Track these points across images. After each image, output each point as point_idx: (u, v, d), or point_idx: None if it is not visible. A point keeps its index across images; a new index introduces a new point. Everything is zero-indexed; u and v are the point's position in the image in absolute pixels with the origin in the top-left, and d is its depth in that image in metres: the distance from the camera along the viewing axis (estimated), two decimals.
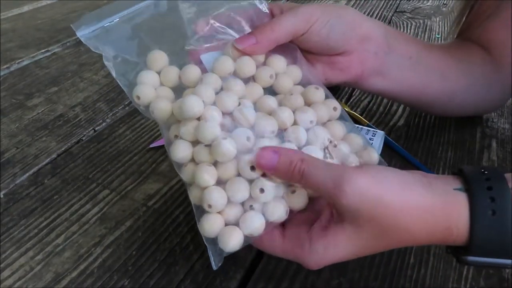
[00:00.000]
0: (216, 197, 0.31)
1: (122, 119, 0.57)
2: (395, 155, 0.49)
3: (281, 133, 0.34)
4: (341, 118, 0.37)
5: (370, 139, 0.46)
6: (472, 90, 0.48)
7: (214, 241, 0.31)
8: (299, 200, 0.32)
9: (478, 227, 0.27)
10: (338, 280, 0.35)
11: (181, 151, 0.33)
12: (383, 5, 0.95)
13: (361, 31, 0.42)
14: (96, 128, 0.55)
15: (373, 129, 0.47)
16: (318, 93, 0.37)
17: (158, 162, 0.49)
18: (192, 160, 0.33)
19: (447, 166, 0.48)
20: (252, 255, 0.38)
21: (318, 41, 0.40)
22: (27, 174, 0.47)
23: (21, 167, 0.48)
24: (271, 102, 0.35)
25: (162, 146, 0.51)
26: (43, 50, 0.76)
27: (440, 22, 0.86)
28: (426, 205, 0.28)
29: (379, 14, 0.90)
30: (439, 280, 0.35)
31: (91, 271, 0.36)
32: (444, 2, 0.96)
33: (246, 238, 0.31)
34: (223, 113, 0.33)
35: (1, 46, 0.77)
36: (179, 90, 0.36)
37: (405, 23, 0.86)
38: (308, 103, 0.36)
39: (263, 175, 0.31)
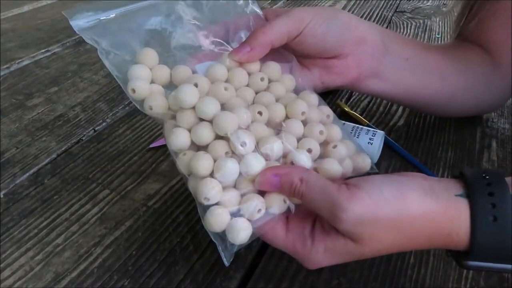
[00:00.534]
0: (209, 187, 0.30)
1: (122, 119, 0.57)
2: (395, 155, 0.49)
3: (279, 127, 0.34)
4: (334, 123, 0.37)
5: (370, 139, 0.46)
6: (471, 90, 0.48)
7: (221, 237, 0.30)
8: None
9: (479, 233, 0.27)
10: (338, 280, 0.35)
11: (179, 138, 0.33)
12: (383, 5, 0.95)
13: (357, 33, 0.42)
14: (96, 128, 0.55)
15: (373, 129, 0.47)
16: (312, 97, 0.37)
17: (158, 162, 0.49)
18: (190, 148, 0.33)
19: (447, 166, 0.48)
20: (252, 255, 0.38)
21: (314, 43, 0.40)
22: (27, 174, 0.47)
23: (21, 167, 0.48)
24: (268, 97, 0.35)
25: (162, 146, 0.51)
26: (43, 50, 0.76)
27: (440, 22, 0.86)
28: (428, 213, 0.28)
29: (379, 14, 0.90)
30: (439, 280, 0.35)
31: (91, 271, 0.36)
32: (444, 2, 0.96)
33: (254, 229, 0.30)
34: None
35: (1, 46, 0.78)
36: (170, 88, 0.36)
37: (405, 23, 0.86)
38: None
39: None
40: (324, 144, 0.35)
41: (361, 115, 0.55)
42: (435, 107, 0.50)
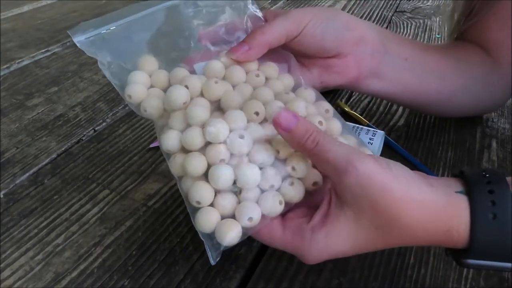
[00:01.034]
0: (202, 191, 0.31)
1: (122, 119, 0.57)
2: (395, 155, 0.49)
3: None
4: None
5: (370, 139, 0.46)
6: (471, 90, 0.48)
7: (210, 235, 0.31)
8: (296, 192, 0.32)
9: (478, 230, 0.27)
10: (338, 280, 0.35)
11: (170, 139, 0.33)
12: (383, 5, 0.95)
13: (356, 33, 0.42)
14: (96, 128, 0.55)
15: (373, 129, 0.47)
16: (308, 93, 0.37)
17: (158, 162, 0.49)
18: (181, 151, 0.33)
19: (447, 166, 0.48)
20: (252, 255, 0.38)
21: (313, 43, 0.40)
22: (27, 174, 0.47)
23: (21, 167, 0.48)
24: (266, 92, 0.35)
25: None
26: (43, 50, 0.76)
27: (440, 22, 0.86)
28: (429, 203, 0.28)
29: (379, 14, 0.90)
30: (439, 280, 0.35)
31: (91, 271, 0.36)
32: (444, 2, 0.96)
33: (244, 231, 0.31)
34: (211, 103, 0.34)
35: (1, 46, 0.78)
36: None
37: (405, 23, 0.86)
38: None
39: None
40: None
41: (361, 115, 0.55)
42: (434, 107, 0.50)
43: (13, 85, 0.66)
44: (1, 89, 0.64)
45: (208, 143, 0.32)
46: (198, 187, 0.31)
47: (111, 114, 0.58)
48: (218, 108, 0.35)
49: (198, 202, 0.31)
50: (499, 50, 0.47)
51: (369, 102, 0.59)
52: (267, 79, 0.37)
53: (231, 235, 0.30)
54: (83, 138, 0.53)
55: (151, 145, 0.51)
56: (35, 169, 0.48)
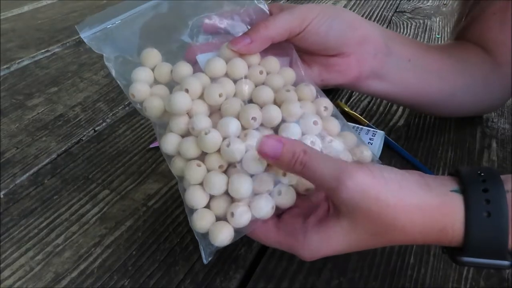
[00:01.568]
0: (195, 197, 0.32)
1: (122, 119, 0.57)
2: (395, 155, 0.49)
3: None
4: (333, 116, 0.37)
5: (370, 139, 0.46)
6: (471, 90, 0.48)
7: (204, 235, 0.32)
8: (287, 198, 0.32)
9: (473, 228, 0.27)
10: (338, 280, 0.35)
11: (170, 143, 0.34)
12: (383, 5, 0.95)
13: (360, 33, 0.42)
14: (96, 128, 0.55)
15: (373, 129, 0.47)
16: (307, 90, 0.37)
17: (158, 162, 0.49)
18: (180, 154, 0.34)
19: (447, 166, 0.48)
20: (252, 255, 0.38)
21: (316, 40, 0.40)
22: (27, 174, 0.47)
23: (21, 167, 0.48)
24: (266, 92, 0.35)
25: None
26: (43, 50, 0.76)
27: (440, 22, 0.86)
28: (423, 206, 0.28)
29: (379, 14, 0.90)
30: (439, 280, 0.35)
31: (91, 271, 0.36)
32: (444, 2, 0.96)
33: (236, 232, 0.32)
34: (211, 107, 0.34)
35: (1, 46, 0.78)
36: (173, 86, 0.36)
37: (405, 23, 0.86)
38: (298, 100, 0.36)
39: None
40: (322, 137, 0.35)
41: (361, 115, 0.55)
42: (435, 107, 0.50)
43: (13, 85, 0.66)
44: (1, 89, 0.64)
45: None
46: (192, 192, 0.32)
47: (111, 114, 0.58)
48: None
49: (192, 205, 0.32)
50: (499, 50, 0.47)
51: (369, 102, 0.59)
52: (268, 73, 0.37)
53: (222, 236, 0.31)
54: (83, 138, 0.53)
55: (151, 145, 0.51)
56: (35, 169, 0.48)
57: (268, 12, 0.40)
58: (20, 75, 0.68)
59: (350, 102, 0.59)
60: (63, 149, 0.51)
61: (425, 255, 0.37)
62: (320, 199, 0.33)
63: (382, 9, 0.93)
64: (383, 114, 0.57)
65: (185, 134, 0.34)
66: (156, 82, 0.37)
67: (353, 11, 0.92)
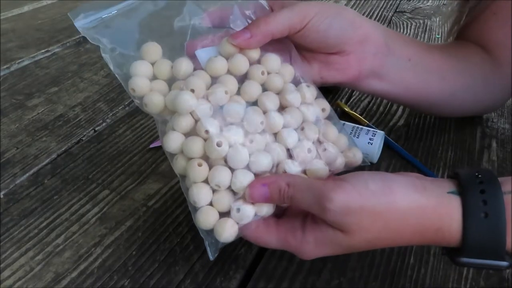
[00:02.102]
0: (199, 194, 0.32)
1: (122, 119, 0.57)
2: (395, 155, 0.49)
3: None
4: (329, 118, 0.38)
5: (370, 139, 0.46)
6: (471, 90, 0.48)
7: (209, 232, 0.32)
8: None
9: (470, 229, 0.28)
10: (338, 280, 0.35)
11: (173, 142, 0.34)
12: (383, 5, 0.95)
13: (360, 32, 0.42)
14: (96, 128, 0.55)
15: (373, 129, 0.47)
16: (309, 91, 0.37)
17: (158, 162, 0.49)
18: (183, 152, 0.34)
19: (447, 166, 0.48)
20: (252, 255, 0.38)
21: (316, 38, 0.40)
22: (27, 174, 0.47)
23: (21, 167, 0.48)
24: (269, 99, 0.36)
25: None
26: (43, 50, 0.76)
27: (440, 22, 0.86)
28: (417, 207, 0.29)
29: (379, 14, 0.90)
30: (439, 280, 0.35)
31: (91, 271, 0.36)
32: (444, 2, 0.96)
33: (240, 229, 0.32)
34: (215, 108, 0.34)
35: (1, 46, 0.78)
36: (172, 82, 0.36)
37: (405, 23, 0.86)
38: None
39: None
40: (317, 142, 0.36)
41: (361, 115, 0.55)
42: (435, 107, 0.50)
43: (13, 85, 0.66)
44: (1, 89, 0.64)
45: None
46: (196, 190, 0.32)
47: (111, 114, 0.58)
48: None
49: (195, 202, 0.32)
50: (499, 50, 0.47)
51: (369, 102, 0.59)
52: (268, 72, 0.37)
53: (227, 233, 0.31)
54: (83, 138, 0.53)
55: (151, 145, 0.51)
56: (35, 169, 0.48)
57: (268, 9, 0.40)
58: (20, 75, 0.68)
59: (350, 102, 0.59)
60: (63, 149, 0.51)
61: (425, 255, 0.37)
62: None
63: (382, 9, 0.93)
64: (383, 114, 0.57)
65: (188, 133, 0.34)
66: (155, 77, 0.37)
67: None
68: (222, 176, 0.32)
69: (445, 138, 0.52)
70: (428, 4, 0.95)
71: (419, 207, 0.28)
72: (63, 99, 0.62)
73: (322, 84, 0.43)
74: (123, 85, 0.36)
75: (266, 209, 0.32)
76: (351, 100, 0.60)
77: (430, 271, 0.36)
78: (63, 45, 0.79)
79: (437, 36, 0.80)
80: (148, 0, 0.37)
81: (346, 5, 0.95)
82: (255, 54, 0.37)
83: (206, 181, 0.32)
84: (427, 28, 0.83)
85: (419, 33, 0.81)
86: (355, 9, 0.92)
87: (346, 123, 0.49)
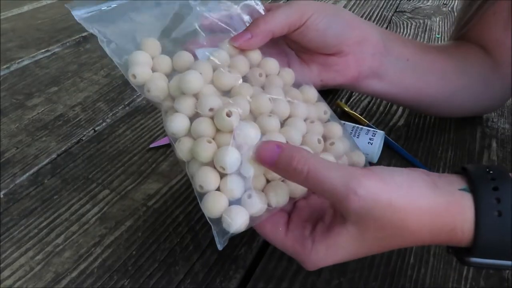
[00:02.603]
0: (207, 176, 0.30)
1: (122, 119, 0.57)
2: (395, 155, 0.49)
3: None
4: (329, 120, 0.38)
5: (370, 139, 0.46)
6: (471, 90, 0.48)
7: (218, 220, 0.30)
8: (301, 187, 0.31)
9: (483, 228, 0.26)
10: (338, 280, 0.35)
11: (177, 123, 0.32)
12: (383, 5, 0.95)
13: (358, 32, 0.42)
14: (96, 128, 0.55)
15: (373, 129, 0.47)
16: (311, 91, 0.37)
17: (158, 162, 0.49)
18: (187, 135, 0.33)
19: (447, 166, 0.48)
20: (252, 255, 0.38)
21: (315, 37, 0.40)
22: (27, 174, 0.47)
23: (21, 167, 0.48)
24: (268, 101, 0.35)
25: (162, 146, 0.51)
26: (43, 50, 0.76)
27: (440, 22, 0.86)
28: (432, 207, 0.27)
29: (379, 14, 0.90)
30: (439, 280, 0.35)
31: (91, 271, 0.36)
32: (444, 2, 0.96)
33: (251, 220, 0.30)
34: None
35: (1, 46, 0.77)
36: (172, 77, 0.35)
37: (405, 23, 0.86)
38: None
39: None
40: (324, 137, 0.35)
41: (361, 115, 0.55)
42: (435, 107, 0.50)
43: (13, 85, 0.65)
44: (1, 89, 0.64)
45: (218, 131, 0.32)
46: (204, 172, 0.30)
47: (111, 114, 0.58)
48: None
49: (201, 187, 0.30)
50: (499, 50, 0.47)
51: (369, 102, 0.59)
52: (267, 75, 0.37)
53: (238, 222, 0.29)
54: (83, 138, 0.53)
55: (151, 145, 0.51)
56: (35, 169, 0.48)
57: (263, 13, 0.40)
58: (20, 75, 0.68)
59: (350, 102, 0.59)
60: (63, 149, 0.51)
61: (425, 255, 0.37)
62: (323, 203, 0.32)
63: (382, 9, 0.93)
64: (383, 114, 0.57)
65: (193, 116, 0.33)
66: (154, 71, 0.36)
67: (353, 11, 0.92)
68: (230, 156, 0.29)
69: (445, 138, 0.52)
70: (428, 4, 0.95)
71: (433, 206, 0.27)
72: (63, 99, 0.62)
73: (322, 87, 0.43)
74: (122, 71, 0.36)
75: (280, 199, 0.30)
76: (351, 100, 0.60)
77: (430, 271, 0.36)
78: (63, 45, 0.79)
79: (437, 36, 0.80)
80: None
81: (346, 4, 0.95)
82: (256, 55, 0.38)
83: (213, 166, 0.31)
84: (427, 28, 0.83)
85: (419, 33, 0.81)
86: (355, 9, 0.92)
87: (346, 123, 0.49)
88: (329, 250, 0.29)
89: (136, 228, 0.40)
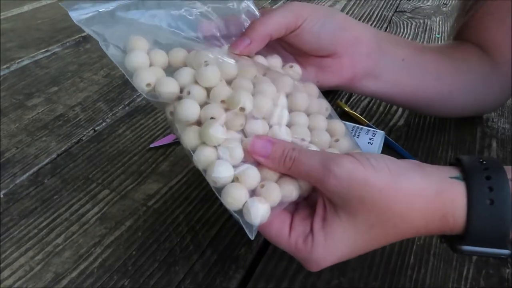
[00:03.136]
0: (220, 170, 0.30)
1: (122, 119, 0.57)
2: (395, 155, 0.49)
3: None
4: (329, 118, 0.38)
5: (370, 139, 0.46)
6: (469, 90, 0.48)
7: (241, 211, 0.30)
8: (306, 183, 0.31)
9: (475, 215, 0.27)
10: (338, 280, 0.35)
11: (189, 108, 0.32)
12: (383, 5, 0.95)
13: (352, 33, 0.42)
14: (96, 128, 0.55)
15: (373, 129, 0.47)
16: (311, 87, 0.38)
17: (158, 162, 0.49)
18: (197, 122, 0.32)
19: None
20: (252, 255, 0.38)
21: (310, 39, 0.40)
22: (27, 174, 0.47)
23: (21, 167, 0.48)
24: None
25: (162, 146, 0.51)
26: (43, 50, 0.76)
27: (440, 22, 0.86)
28: (420, 191, 0.28)
29: (379, 14, 0.90)
30: (439, 280, 0.35)
31: (91, 271, 0.36)
32: (444, 2, 0.96)
33: (273, 208, 0.30)
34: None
35: (1, 46, 0.77)
36: (168, 72, 0.35)
37: (405, 23, 0.86)
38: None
39: None
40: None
41: (361, 115, 0.55)
42: (433, 108, 0.50)
43: (13, 85, 0.65)
44: (1, 89, 0.64)
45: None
46: (216, 167, 0.30)
47: (111, 114, 0.58)
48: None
49: (215, 182, 0.30)
50: (498, 49, 0.47)
51: (369, 102, 0.59)
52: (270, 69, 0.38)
53: (262, 215, 0.29)
54: (83, 138, 0.53)
55: (151, 145, 0.51)
56: (35, 169, 0.48)
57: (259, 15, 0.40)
58: (20, 75, 0.68)
59: (350, 102, 0.59)
60: (63, 149, 0.51)
61: (425, 255, 0.37)
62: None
63: (382, 9, 0.93)
64: (383, 114, 0.57)
65: (203, 104, 0.33)
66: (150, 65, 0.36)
67: (353, 11, 0.92)
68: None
69: (445, 138, 0.52)
70: (428, 4, 0.95)
71: (422, 189, 0.28)
72: (63, 99, 0.62)
73: (319, 89, 0.43)
74: (120, 68, 0.35)
75: (293, 190, 0.30)
76: (351, 100, 0.60)
77: (430, 271, 0.36)
78: (63, 45, 0.79)
79: (437, 36, 0.80)
80: (149, 0, 0.37)
81: (346, 5, 0.95)
82: (261, 60, 0.38)
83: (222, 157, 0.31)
84: (427, 28, 0.83)
85: (419, 33, 0.81)
86: (355, 9, 0.93)
87: (346, 123, 0.49)
88: (328, 242, 0.29)
89: (136, 228, 0.40)
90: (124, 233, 0.40)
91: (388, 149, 0.49)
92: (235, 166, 0.31)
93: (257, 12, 0.40)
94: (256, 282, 0.35)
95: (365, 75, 0.44)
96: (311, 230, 0.30)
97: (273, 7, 0.42)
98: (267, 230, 0.31)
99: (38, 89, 0.64)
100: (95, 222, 0.41)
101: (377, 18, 0.88)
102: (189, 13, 0.38)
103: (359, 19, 0.87)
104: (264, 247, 0.38)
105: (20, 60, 0.73)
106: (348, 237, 0.29)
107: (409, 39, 0.78)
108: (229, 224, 0.40)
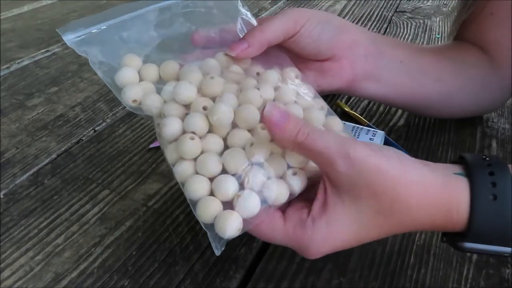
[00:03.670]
0: (195, 188, 0.30)
1: (122, 119, 0.57)
2: None
3: None
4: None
5: (370, 139, 0.46)
6: (469, 90, 0.48)
7: (212, 225, 0.30)
8: (299, 181, 0.31)
9: (478, 210, 0.27)
10: (338, 280, 0.35)
11: (170, 127, 0.32)
12: (383, 5, 0.95)
13: (350, 36, 0.43)
14: (96, 128, 0.55)
15: (373, 129, 0.47)
16: (311, 88, 0.38)
17: (158, 162, 0.49)
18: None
19: None
20: (252, 255, 0.38)
21: (309, 44, 0.41)
22: (27, 174, 0.47)
23: (21, 167, 0.48)
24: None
25: None
26: (43, 50, 0.76)
27: (440, 22, 0.86)
28: (427, 183, 0.28)
29: (379, 14, 0.90)
30: (439, 280, 0.35)
31: (91, 271, 0.36)
32: (444, 2, 0.96)
33: (246, 223, 0.30)
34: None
35: (1, 46, 0.78)
36: (160, 85, 0.36)
37: (405, 23, 0.86)
38: None
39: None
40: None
41: (361, 115, 0.55)
42: (433, 109, 0.50)
43: (13, 85, 0.66)
44: (1, 89, 0.64)
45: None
46: (192, 182, 0.30)
47: (111, 114, 0.58)
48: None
49: (190, 199, 0.31)
50: (497, 50, 0.47)
51: (369, 102, 0.59)
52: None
53: (231, 228, 0.29)
54: (83, 138, 0.53)
55: (151, 145, 0.51)
56: (35, 169, 0.48)
57: (255, 23, 0.40)
58: (20, 75, 0.68)
59: (350, 102, 0.59)
60: (63, 149, 0.51)
61: (425, 255, 0.37)
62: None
63: (382, 9, 0.93)
64: (383, 114, 0.57)
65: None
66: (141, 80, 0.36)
67: (353, 11, 0.92)
68: (212, 160, 0.31)
69: (445, 138, 0.52)
70: (428, 4, 0.95)
71: (428, 182, 0.28)
72: (63, 99, 0.62)
73: (320, 93, 0.43)
74: (113, 92, 0.36)
75: (277, 195, 0.30)
76: (351, 100, 0.60)
77: (430, 271, 0.36)
78: (63, 45, 0.79)
79: (437, 36, 0.80)
80: (138, 16, 0.37)
81: (346, 5, 0.95)
82: (247, 64, 0.38)
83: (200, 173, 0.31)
84: (427, 28, 0.83)
85: (419, 33, 0.81)
86: (355, 9, 0.92)
87: (346, 123, 0.49)
88: (329, 225, 0.29)
89: (136, 228, 0.40)
90: (124, 233, 0.40)
91: None
92: (211, 179, 0.31)
93: (253, 20, 0.40)
94: (256, 282, 0.35)
95: (364, 78, 0.44)
96: (310, 216, 0.29)
97: (273, 8, 0.42)
98: (257, 231, 0.31)
99: (38, 89, 0.64)
100: (95, 222, 0.41)
101: (377, 18, 0.88)
102: (180, 28, 0.39)
103: (359, 19, 0.87)
104: (264, 247, 0.38)
105: (20, 60, 0.73)
106: (351, 221, 0.29)
107: (409, 39, 0.79)
108: None
